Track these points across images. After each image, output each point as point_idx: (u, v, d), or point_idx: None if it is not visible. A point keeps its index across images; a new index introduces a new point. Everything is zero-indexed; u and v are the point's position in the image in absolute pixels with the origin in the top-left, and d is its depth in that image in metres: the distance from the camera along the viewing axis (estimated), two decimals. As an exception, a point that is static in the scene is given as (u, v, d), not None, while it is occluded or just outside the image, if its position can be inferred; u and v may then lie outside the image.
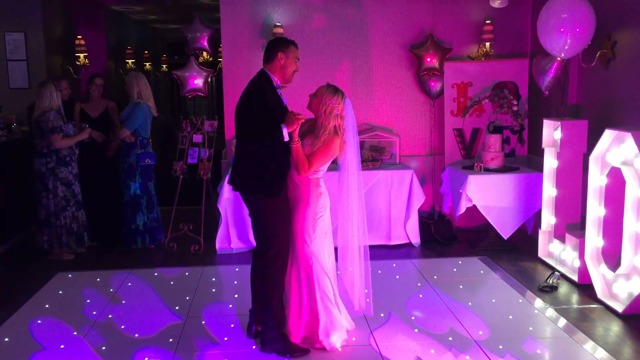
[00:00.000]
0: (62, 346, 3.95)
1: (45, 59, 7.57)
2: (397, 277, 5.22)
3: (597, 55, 5.08)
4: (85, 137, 5.85)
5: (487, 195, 5.70)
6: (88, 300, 4.76)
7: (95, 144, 6.09)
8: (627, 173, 4.21)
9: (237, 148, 3.80)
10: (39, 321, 4.37)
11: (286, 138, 3.57)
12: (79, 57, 7.98)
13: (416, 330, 4.11)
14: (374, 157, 6.19)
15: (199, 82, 6.46)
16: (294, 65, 3.79)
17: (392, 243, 6.05)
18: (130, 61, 11.27)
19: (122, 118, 6.03)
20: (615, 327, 4.15)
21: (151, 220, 6.14)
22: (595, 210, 4.62)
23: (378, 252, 5.79)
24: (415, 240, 6.07)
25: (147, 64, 12.86)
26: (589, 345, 3.88)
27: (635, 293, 4.15)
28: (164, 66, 14.60)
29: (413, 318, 4.31)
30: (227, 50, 6.47)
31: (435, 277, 5.18)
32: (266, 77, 3.77)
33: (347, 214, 3.88)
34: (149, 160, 6.05)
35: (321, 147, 3.67)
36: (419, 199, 5.98)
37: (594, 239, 4.63)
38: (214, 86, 14.20)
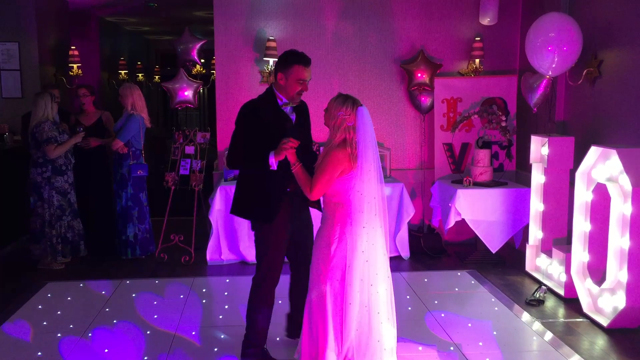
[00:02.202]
0: (48, 356, 3.96)
1: (39, 69, 7.59)
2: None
3: (584, 73, 5.19)
4: (78, 140, 5.87)
5: (476, 209, 5.77)
6: (77, 310, 4.76)
7: (90, 154, 6.11)
8: (612, 189, 4.29)
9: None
10: (28, 329, 4.37)
11: (273, 167, 3.43)
12: (72, 67, 8.00)
13: (401, 342, 4.15)
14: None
15: (188, 93, 6.51)
16: (296, 86, 3.55)
17: (382, 256, 6.08)
18: (123, 72, 11.30)
19: (116, 129, 6.07)
20: (600, 341, 4.21)
21: (142, 231, 6.16)
22: (581, 225, 4.70)
23: (368, 265, 5.85)
24: (405, 253, 6.13)
25: (140, 74, 12.89)
26: (575, 358, 3.93)
27: (620, 307, 4.22)
28: (157, 77, 14.63)
29: (398, 332, 4.35)
30: (220, 62, 6.54)
31: (423, 290, 5.23)
32: (269, 93, 3.65)
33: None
34: (142, 172, 6.08)
35: (321, 165, 3.35)
36: (408, 212, 6.04)
37: (580, 253, 4.70)
38: (205, 98, 14.25)
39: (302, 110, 3.75)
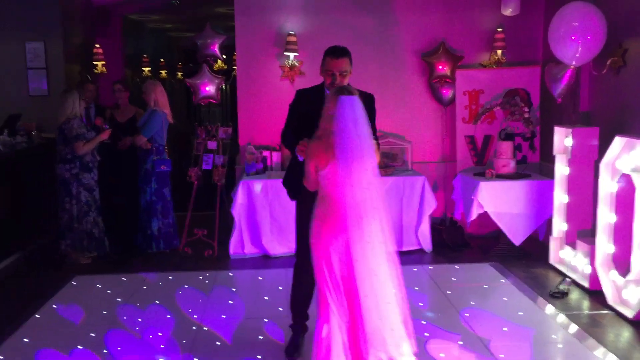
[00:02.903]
0: (79, 347, 4.05)
1: (64, 67, 7.73)
2: (409, 282, 5.25)
3: (608, 62, 5.11)
4: (105, 137, 5.97)
5: (499, 201, 5.73)
6: (104, 303, 4.86)
7: (118, 152, 6.22)
8: (637, 180, 4.23)
9: None
10: (57, 321, 4.48)
11: (300, 158, 3.54)
12: (96, 65, 8.13)
13: (427, 334, 4.16)
14: (386, 163, 6.25)
15: (210, 89, 6.57)
16: (327, 77, 3.69)
17: (404, 249, 6.08)
18: (146, 69, 11.43)
19: (139, 125, 6.16)
20: (625, 333, 4.16)
21: (166, 225, 6.24)
22: (606, 216, 4.65)
23: (390, 258, 5.86)
24: (427, 246, 6.11)
25: (163, 71, 13.03)
26: (600, 351, 3.89)
27: (646, 299, 4.17)
28: (179, 74, 14.77)
29: (424, 322, 4.36)
30: (241, 58, 6.58)
31: (446, 283, 5.22)
32: (321, 84, 3.83)
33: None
34: (165, 167, 6.16)
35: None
36: (430, 205, 6.03)
37: (605, 245, 4.65)
38: (227, 93, 14.33)
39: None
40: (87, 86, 6.70)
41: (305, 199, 3.60)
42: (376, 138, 3.82)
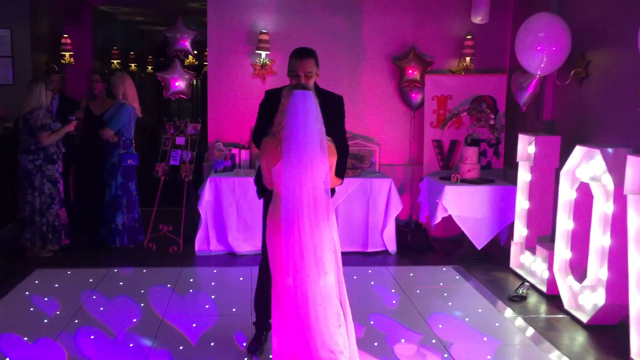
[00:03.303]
0: (39, 338, 3.99)
1: (31, 56, 7.58)
2: (372, 283, 5.32)
3: (572, 73, 5.25)
4: (70, 129, 5.90)
5: (463, 205, 5.84)
6: (65, 297, 4.79)
7: (89, 143, 6.16)
8: (595, 188, 4.36)
9: None
10: (17, 314, 4.41)
11: None
12: (64, 55, 7.99)
13: (387, 333, 4.21)
14: (354, 165, 6.30)
15: (181, 84, 6.54)
16: (292, 78, 3.65)
17: (369, 250, 6.15)
18: (115, 61, 11.28)
19: (107, 118, 6.09)
20: (580, 337, 4.29)
21: (131, 220, 6.19)
22: (565, 223, 4.78)
23: (354, 259, 5.92)
24: (392, 248, 6.19)
25: (133, 64, 12.86)
26: (555, 354, 4.00)
27: (600, 304, 4.30)
28: (150, 67, 14.60)
29: (386, 322, 4.41)
30: (212, 54, 6.56)
31: (409, 284, 5.29)
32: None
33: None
34: (132, 161, 6.11)
35: None
36: (396, 207, 6.10)
37: (563, 251, 4.78)
38: (198, 89, 14.24)
39: (323, 104, 3.71)
40: (52, 76, 6.59)
41: (271, 198, 3.63)
42: (345, 140, 3.86)
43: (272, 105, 3.76)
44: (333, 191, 3.76)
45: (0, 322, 4.31)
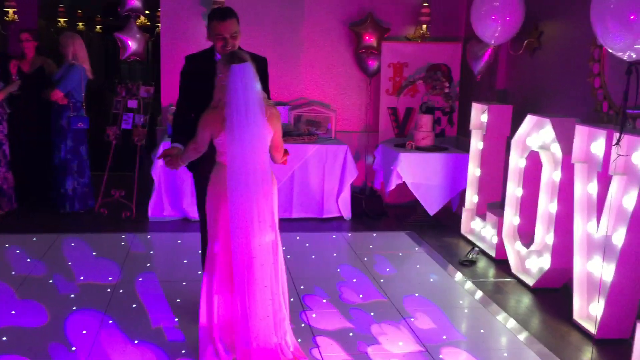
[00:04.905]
0: (-14, 308, 3.90)
1: (-30, 12, 7.18)
2: (327, 249, 5.39)
3: (525, 43, 5.34)
4: (14, 88, 5.69)
5: (417, 173, 5.93)
6: (13, 263, 4.67)
7: (29, 104, 5.92)
8: (544, 157, 4.50)
9: None
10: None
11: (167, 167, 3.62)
12: (7, 12, 7.60)
13: (342, 298, 4.29)
14: (310, 131, 6.29)
15: (134, 44, 6.33)
16: (217, 41, 3.55)
17: (324, 216, 6.20)
18: (62, 20, 10.82)
19: (56, 79, 5.87)
20: (525, 300, 4.47)
21: (82, 185, 6.04)
22: (514, 190, 4.92)
23: (310, 225, 5.98)
24: (347, 214, 6.25)
25: (80, 23, 12.36)
26: (502, 316, 4.17)
27: (545, 268, 4.48)
28: (98, 27, 14.06)
29: (340, 287, 4.49)
30: (165, 15, 6.37)
31: (363, 249, 5.38)
32: (210, 49, 3.70)
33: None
34: (82, 124, 5.93)
35: None
36: (352, 174, 6.15)
37: (511, 217, 4.94)
38: (150, 51, 13.83)
39: None
40: None
41: (201, 168, 3.61)
42: (269, 99, 3.78)
43: (194, 73, 3.65)
44: (286, 151, 3.66)
45: (-55, 289, 4.18)
